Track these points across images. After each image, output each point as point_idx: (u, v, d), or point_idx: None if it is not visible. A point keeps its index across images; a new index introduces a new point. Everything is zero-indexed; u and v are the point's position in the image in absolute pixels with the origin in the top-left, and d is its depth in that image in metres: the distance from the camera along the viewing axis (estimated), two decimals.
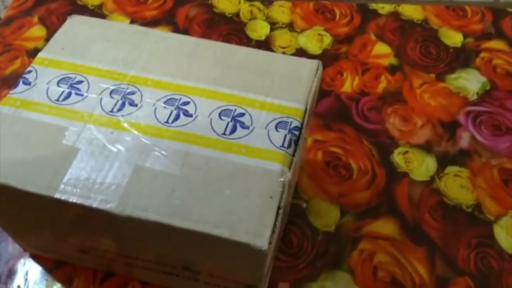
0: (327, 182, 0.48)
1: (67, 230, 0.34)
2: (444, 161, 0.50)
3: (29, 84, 0.35)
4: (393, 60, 0.59)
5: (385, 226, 0.45)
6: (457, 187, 0.48)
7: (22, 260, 0.42)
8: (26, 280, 0.41)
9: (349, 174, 0.48)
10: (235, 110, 0.34)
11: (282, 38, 0.61)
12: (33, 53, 0.57)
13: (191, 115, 0.33)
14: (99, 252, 0.37)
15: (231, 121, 0.33)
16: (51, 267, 0.42)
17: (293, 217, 0.45)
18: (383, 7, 0.65)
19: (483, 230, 0.45)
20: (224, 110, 0.34)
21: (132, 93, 0.34)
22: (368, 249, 0.43)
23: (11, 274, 0.41)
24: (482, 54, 0.60)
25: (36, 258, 0.42)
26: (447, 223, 0.45)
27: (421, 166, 0.49)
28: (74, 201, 0.29)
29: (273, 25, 0.62)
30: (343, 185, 0.47)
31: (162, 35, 0.38)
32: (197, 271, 0.35)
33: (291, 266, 0.42)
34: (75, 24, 0.39)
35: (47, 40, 0.59)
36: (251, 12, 0.64)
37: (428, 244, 0.44)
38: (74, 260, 0.41)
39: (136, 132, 0.32)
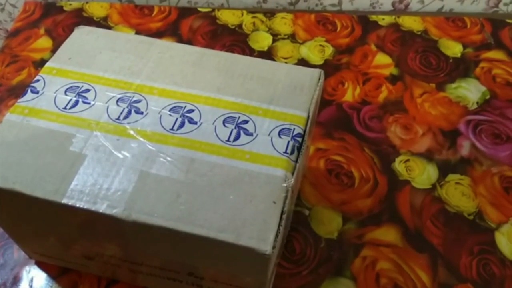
0: (330, 190, 0.48)
1: (73, 236, 0.35)
2: (445, 169, 0.50)
3: (37, 92, 0.35)
4: (393, 70, 0.60)
5: (387, 234, 0.45)
6: (459, 194, 0.48)
7: (27, 267, 0.42)
8: (31, 287, 0.41)
9: (351, 182, 0.49)
10: (239, 117, 0.34)
11: (284, 49, 0.62)
12: (39, 64, 0.59)
13: (195, 123, 0.34)
14: (104, 258, 0.37)
15: (235, 128, 0.34)
16: (56, 274, 0.42)
17: (296, 224, 0.45)
18: (383, 19, 0.66)
19: (484, 237, 0.45)
20: (228, 117, 0.34)
21: (138, 101, 0.35)
22: (370, 256, 0.44)
23: (16, 281, 0.42)
24: (482, 64, 0.61)
25: (41, 265, 0.43)
26: (448, 230, 0.46)
27: (422, 174, 0.50)
28: (81, 206, 0.30)
29: (275, 36, 0.63)
30: (345, 192, 0.48)
31: (167, 45, 0.39)
32: (201, 277, 0.35)
33: (294, 273, 0.43)
34: (82, 35, 0.40)
35: (53, 51, 0.60)
36: (254, 23, 0.65)
37: (430, 251, 0.44)
38: (79, 267, 0.41)
39: (142, 139, 0.33)
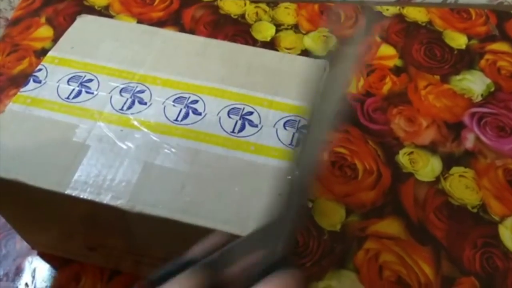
0: (333, 182, 0.48)
1: (76, 227, 0.35)
2: (449, 161, 0.50)
3: (40, 82, 0.35)
4: (398, 62, 0.59)
5: (390, 226, 0.45)
6: (462, 187, 0.48)
7: (29, 258, 0.42)
8: (33, 277, 0.41)
9: (354, 174, 0.48)
10: (243, 108, 0.34)
11: (288, 39, 0.61)
12: (40, 53, 0.58)
13: (200, 114, 0.34)
14: (107, 249, 0.37)
15: (239, 119, 0.33)
16: (59, 265, 0.42)
17: None
18: (387, 9, 0.66)
19: (488, 230, 0.45)
20: (232, 108, 0.34)
21: (142, 91, 0.35)
22: (373, 248, 0.44)
23: (18, 271, 0.42)
24: (487, 56, 0.60)
25: (43, 256, 0.42)
26: (452, 223, 0.45)
27: (426, 166, 0.49)
28: (85, 197, 0.30)
29: (279, 27, 0.63)
30: (348, 185, 0.48)
31: (170, 35, 0.39)
32: None
33: (297, 265, 0.43)
34: (84, 24, 0.39)
35: (54, 40, 0.59)
36: (257, 13, 0.64)
37: (433, 244, 0.44)
38: (82, 258, 0.41)
39: (145, 130, 0.33)
